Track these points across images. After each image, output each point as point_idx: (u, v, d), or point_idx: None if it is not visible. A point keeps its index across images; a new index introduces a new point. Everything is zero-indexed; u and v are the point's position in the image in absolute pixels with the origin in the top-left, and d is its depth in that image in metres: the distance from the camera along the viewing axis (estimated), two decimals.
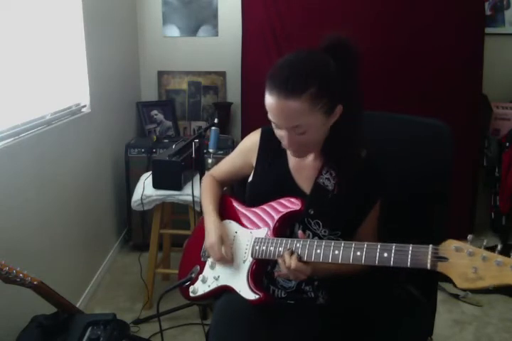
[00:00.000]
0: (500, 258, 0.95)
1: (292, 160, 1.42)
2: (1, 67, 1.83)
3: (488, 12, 3.09)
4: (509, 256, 0.95)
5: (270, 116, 1.25)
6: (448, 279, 1.01)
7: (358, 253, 1.13)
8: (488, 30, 3.00)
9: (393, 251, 1.09)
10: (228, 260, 1.35)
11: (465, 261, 0.99)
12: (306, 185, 1.38)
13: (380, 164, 1.38)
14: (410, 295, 1.46)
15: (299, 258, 1.20)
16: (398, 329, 1.29)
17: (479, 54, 2.95)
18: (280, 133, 1.28)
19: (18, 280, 1.50)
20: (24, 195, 1.87)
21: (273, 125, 1.29)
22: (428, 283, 1.54)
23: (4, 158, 1.73)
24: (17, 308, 1.76)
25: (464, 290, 1.00)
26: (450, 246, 1.01)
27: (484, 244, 0.99)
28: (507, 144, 2.98)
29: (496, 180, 3.06)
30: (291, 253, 1.21)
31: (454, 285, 1.00)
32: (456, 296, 2.59)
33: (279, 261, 1.23)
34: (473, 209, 3.13)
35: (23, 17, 1.97)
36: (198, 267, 1.46)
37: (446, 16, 2.90)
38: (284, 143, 1.28)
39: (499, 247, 0.97)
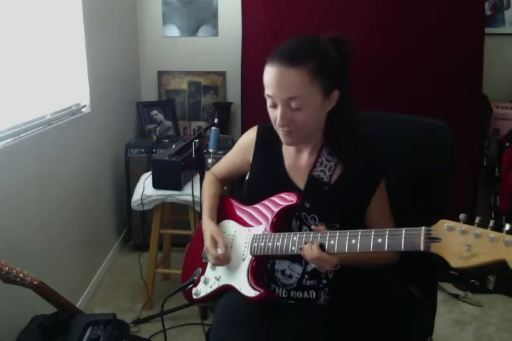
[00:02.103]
0: (493, 233, 0.95)
1: (288, 159, 1.43)
2: (2, 67, 1.83)
3: (488, 12, 3.08)
4: (502, 232, 0.95)
5: (267, 91, 1.26)
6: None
7: (353, 241, 1.14)
8: (488, 30, 3.00)
9: (387, 236, 1.10)
10: (226, 259, 1.35)
11: (458, 239, 0.98)
12: (300, 180, 1.39)
13: (377, 149, 1.38)
14: (410, 295, 1.46)
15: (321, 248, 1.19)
16: (398, 330, 1.29)
17: (479, 54, 2.95)
18: (274, 114, 1.28)
19: (18, 280, 1.51)
20: (24, 195, 1.87)
21: (268, 104, 1.29)
22: (428, 283, 1.54)
23: (4, 158, 1.73)
24: (17, 308, 1.76)
25: (459, 269, 0.98)
26: (442, 226, 1.01)
27: (476, 221, 0.99)
28: (507, 144, 2.98)
29: (496, 180, 3.06)
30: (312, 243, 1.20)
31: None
32: (456, 296, 2.58)
33: (304, 252, 1.21)
34: (473, 209, 3.12)
35: (23, 17, 1.97)
36: (200, 269, 1.47)
37: (446, 16, 2.90)
38: (277, 121, 1.27)
39: (491, 223, 0.97)
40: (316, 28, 2.90)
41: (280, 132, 1.32)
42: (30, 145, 1.90)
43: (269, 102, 1.29)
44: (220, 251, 1.35)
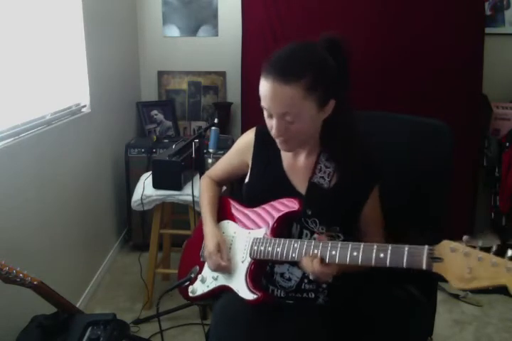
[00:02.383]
0: (495, 258, 0.95)
1: (286, 161, 1.43)
2: (2, 67, 1.83)
3: (488, 12, 3.09)
4: (504, 257, 0.95)
5: (263, 103, 1.26)
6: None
7: (355, 254, 1.14)
8: (488, 30, 3.00)
9: (389, 252, 1.09)
10: (225, 269, 1.35)
11: (460, 261, 0.99)
12: (301, 185, 1.39)
13: (374, 154, 1.38)
14: (410, 295, 1.46)
15: (321, 260, 1.19)
16: (398, 330, 1.30)
17: (479, 54, 2.95)
18: (270, 123, 1.29)
19: (18, 280, 1.50)
20: (24, 195, 1.86)
21: (265, 114, 1.30)
22: (428, 283, 1.54)
23: (4, 158, 1.73)
24: (17, 308, 1.76)
25: (460, 290, 0.99)
26: (445, 247, 1.02)
27: (479, 244, 0.99)
28: (507, 144, 2.98)
29: (496, 180, 3.06)
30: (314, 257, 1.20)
31: None
32: (456, 296, 2.58)
33: (303, 264, 1.22)
34: (473, 209, 3.12)
35: (23, 17, 1.97)
36: (198, 267, 1.46)
37: (446, 16, 2.90)
38: (273, 132, 1.29)
39: (494, 248, 0.97)
40: (316, 29, 2.88)
41: (277, 140, 1.33)
42: (30, 145, 1.90)
43: (265, 112, 1.29)
44: (223, 263, 1.34)
